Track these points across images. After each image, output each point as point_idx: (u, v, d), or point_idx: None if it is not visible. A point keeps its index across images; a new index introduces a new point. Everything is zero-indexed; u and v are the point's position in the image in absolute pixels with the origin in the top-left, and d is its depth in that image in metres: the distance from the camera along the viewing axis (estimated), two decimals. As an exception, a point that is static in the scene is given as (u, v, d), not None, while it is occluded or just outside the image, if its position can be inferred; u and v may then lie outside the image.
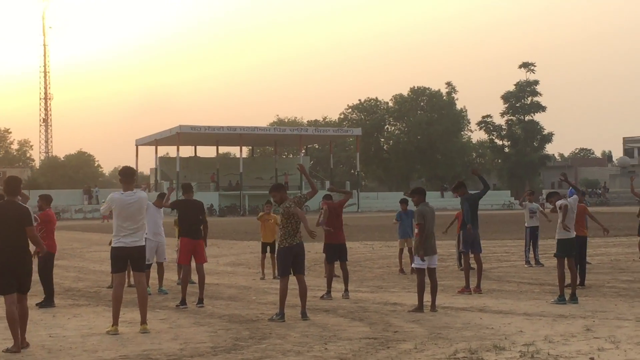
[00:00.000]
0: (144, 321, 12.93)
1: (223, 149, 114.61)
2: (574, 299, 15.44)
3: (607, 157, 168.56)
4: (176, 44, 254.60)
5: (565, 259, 15.78)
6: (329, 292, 16.92)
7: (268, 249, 21.50)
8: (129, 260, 12.88)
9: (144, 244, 12.99)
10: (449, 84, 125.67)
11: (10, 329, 11.22)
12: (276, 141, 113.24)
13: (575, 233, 16.07)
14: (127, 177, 13.02)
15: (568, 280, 15.86)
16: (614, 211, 72.14)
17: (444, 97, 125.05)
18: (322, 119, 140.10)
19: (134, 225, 12.76)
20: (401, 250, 22.12)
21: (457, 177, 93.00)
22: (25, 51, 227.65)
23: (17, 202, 11.61)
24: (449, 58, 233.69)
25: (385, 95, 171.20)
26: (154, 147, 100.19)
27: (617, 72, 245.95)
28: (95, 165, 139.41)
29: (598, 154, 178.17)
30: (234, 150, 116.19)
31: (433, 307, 14.65)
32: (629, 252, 27.44)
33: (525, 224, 23.91)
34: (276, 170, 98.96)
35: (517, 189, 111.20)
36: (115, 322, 12.73)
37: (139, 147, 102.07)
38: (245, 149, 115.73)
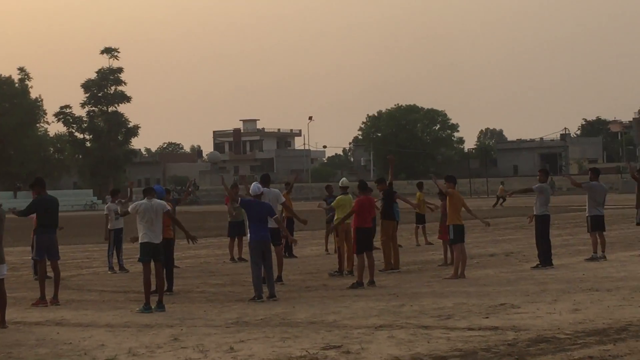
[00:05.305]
0: None
1: None
2: (160, 306, 15.68)
3: (197, 152, 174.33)
4: None
5: (152, 262, 15.91)
6: None
7: None
8: None
9: None
10: (22, 69, 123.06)
11: None
12: None
13: (161, 236, 16.27)
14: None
15: (154, 286, 16.07)
16: (204, 210, 74.56)
17: (17, 85, 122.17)
18: None
19: None
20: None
21: (33, 175, 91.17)
22: None
23: None
24: (20, 40, 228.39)
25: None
26: None
27: (207, 65, 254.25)
28: None
29: (187, 148, 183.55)
30: None
31: (2, 323, 14.23)
32: (219, 254, 28.38)
33: (109, 226, 23.82)
34: None
35: (101, 187, 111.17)
36: None
37: None
38: None
